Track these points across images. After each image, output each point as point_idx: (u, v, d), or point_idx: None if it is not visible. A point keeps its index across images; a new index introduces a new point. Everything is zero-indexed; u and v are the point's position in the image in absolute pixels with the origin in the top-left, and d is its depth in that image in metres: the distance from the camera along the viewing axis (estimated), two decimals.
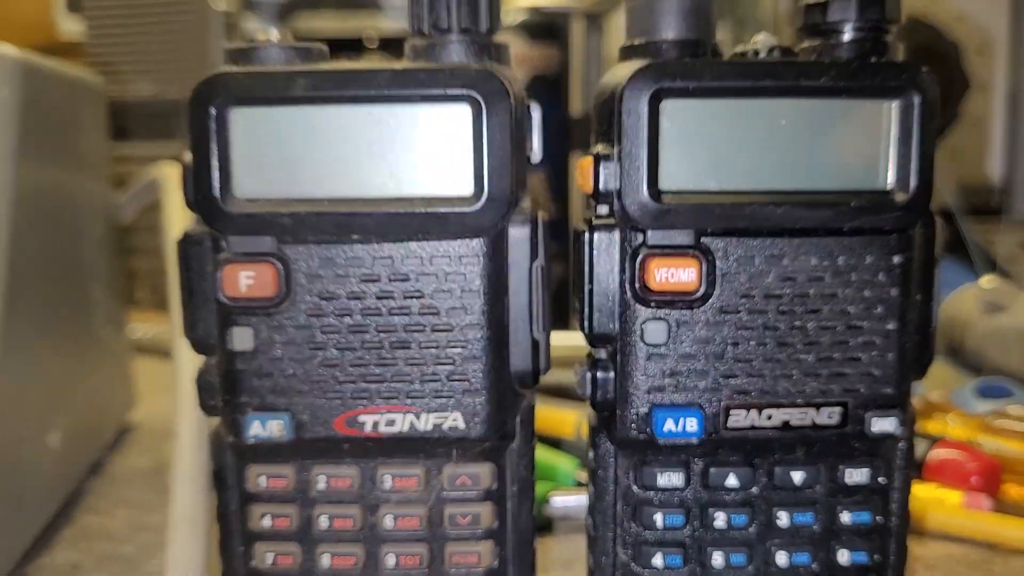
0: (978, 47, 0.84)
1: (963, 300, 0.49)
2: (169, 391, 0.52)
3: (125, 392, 0.45)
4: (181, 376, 0.26)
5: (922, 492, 0.34)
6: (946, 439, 0.36)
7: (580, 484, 0.35)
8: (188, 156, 0.23)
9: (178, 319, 0.28)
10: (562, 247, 0.24)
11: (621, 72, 0.23)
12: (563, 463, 0.35)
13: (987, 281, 0.48)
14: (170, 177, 0.39)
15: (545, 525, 0.34)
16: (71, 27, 0.83)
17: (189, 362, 0.26)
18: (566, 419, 0.37)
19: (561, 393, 0.42)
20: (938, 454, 0.35)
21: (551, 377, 0.25)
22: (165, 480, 0.39)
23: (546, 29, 0.66)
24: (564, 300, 0.24)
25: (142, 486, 0.38)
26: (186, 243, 0.23)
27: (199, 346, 0.24)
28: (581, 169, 0.24)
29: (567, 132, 0.66)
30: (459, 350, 0.23)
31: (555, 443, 0.37)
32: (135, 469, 0.41)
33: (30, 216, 0.32)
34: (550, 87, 0.66)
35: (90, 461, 0.40)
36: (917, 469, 0.35)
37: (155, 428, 0.46)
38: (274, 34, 0.24)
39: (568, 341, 0.30)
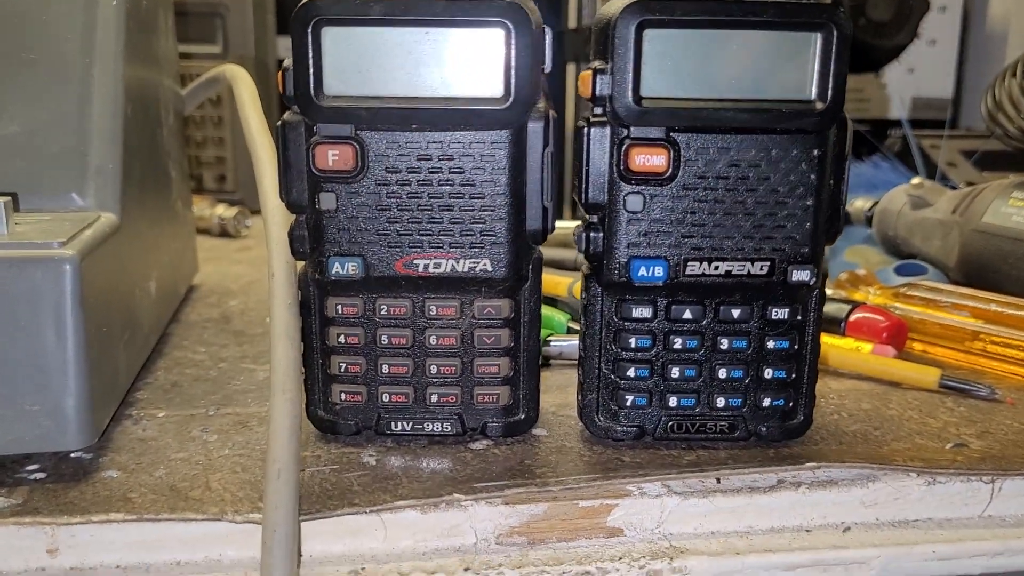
0: None
1: (896, 196, 0.56)
2: (217, 261, 0.59)
3: (191, 259, 0.52)
4: (271, 229, 0.33)
5: (843, 343, 0.42)
6: (866, 304, 0.44)
7: (571, 331, 0.42)
8: (288, 61, 0.30)
9: (269, 186, 0.35)
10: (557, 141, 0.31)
11: (615, 5, 0.30)
12: (558, 315, 0.43)
13: (916, 181, 0.55)
14: (237, 75, 0.45)
15: (544, 363, 0.41)
16: None
17: (277, 219, 0.33)
18: (561, 282, 0.44)
19: (555, 265, 0.50)
20: (858, 315, 0.43)
21: (549, 253, 0.32)
22: (231, 327, 0.46)
23: None
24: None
25: (214, 331, 0.46)
26: (285, 127, 0.30)
27: (292, 207, 0.31)
28: (582, 80, 0.31)
29: (562, 43, 0.72)
30: (489, 212, 0.30)
31: (552, 301, 0.44)
32: (207, 318, 0.48)
33: (132, 105, 0.38)
34: (550, 4, 0.72)
35: (172, 310, 0.47)
36: (841, 327, 0.43)
37: (215, 288, 0.54)
38: None
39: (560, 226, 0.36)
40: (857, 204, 0.59)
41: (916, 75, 0.90)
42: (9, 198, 0.31)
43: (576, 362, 0.35)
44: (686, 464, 0.31)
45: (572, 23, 0.72)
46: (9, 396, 0.29)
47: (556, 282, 0.44)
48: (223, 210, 0.69)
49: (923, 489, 0.31)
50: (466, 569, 0.28)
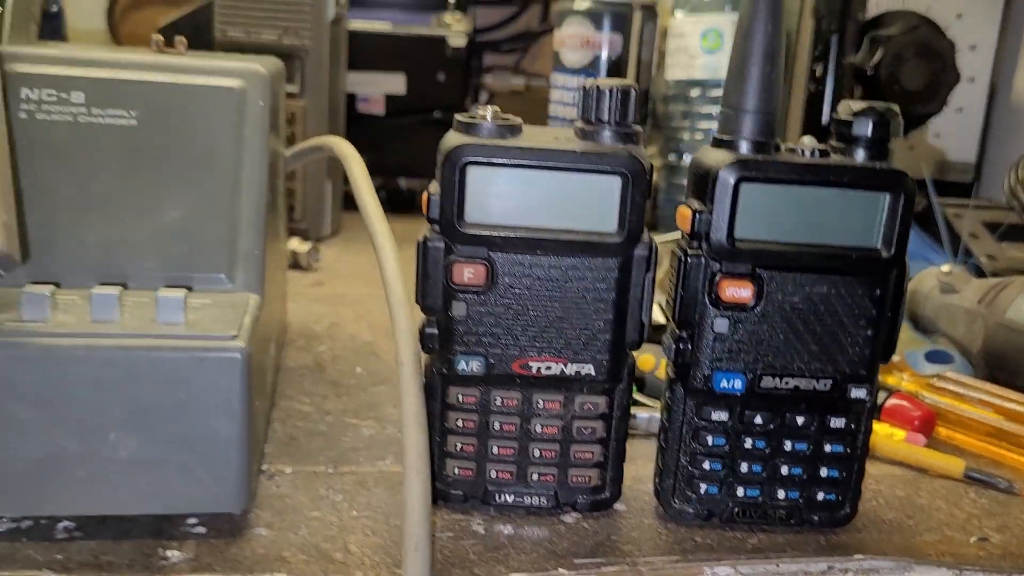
0: (971, 44, 0.94)
1: (926, 278, 0.61)
2: (295, 297, 0.63)
3: (286, 304, 0.57)
4: (400, 325, 0.37)
5: (878, 429, 0.46)
6: (899, 391, 0.48)
7: (635, 403, 0.47)
8: (435, 187, 0.34)
9: (393, 281, 0.39)
10: None
11: (713, 156, 0.34)
12: None
13: (946, 267, 0.59)
14: (346, 151, 0.49)
15: None
16: None
17: (403, 313, 0.38)
18: (648, 359, 0.49)
19: None
20: (892, 402, 0.47)
21: None
22: (327, 376, 0.51)
23: (610, 17, 0.76)
24: None
25: (312, 379, 0.51)
26: (426, 245, 0.35)
27: (426, 310, 0.36)
28: (681, 216, 0.35)
29: None
30: (596, 326, 0.35)
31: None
32: (302, 365, 0.53)
33: (268, 189, 0.43)
34: (611, 65, 0.76)
35: (280, 355, 0.52)
36: (876, 412, 0.48)
37: (302, 331, 0.58)
38: (489, 112, 0.35)
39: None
40: None
41: (942, 139, 0.94)
42: (185, 291, 0.35)
43: (651, 435, 0.40)
44: (750, 548, 0.36)
45: None
46: (184, 465, 0.34)
47: (644, 359, 0.48)
48: (297, 244, 0.73)
49: None
50: None
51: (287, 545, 0.34)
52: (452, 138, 0.34)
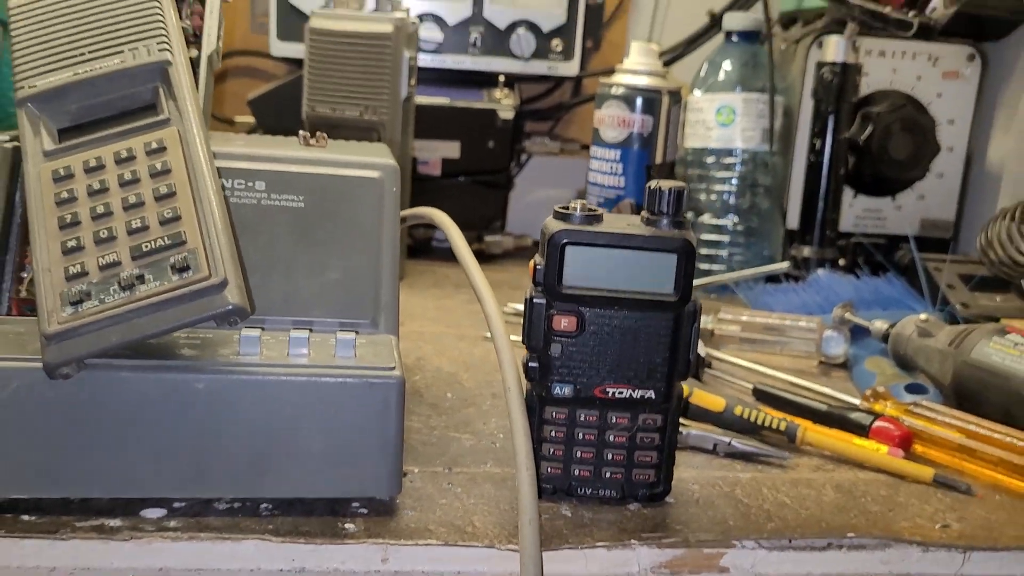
0: (949, 119, 1.06)
1: (907, 324, 0.72)
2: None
3: None
4: (505, 359, 0.49)
5: (867, 445, 0.58)
6: (884, 416, 0.60)
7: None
8: (539, 259, 0.46)
9: (497, 324, 0.51)
10: None
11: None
12: None
13: (924, 316, 0.71)
14: (446, 222, 0.61)
15: None
16: (280, 49, 1.05)
17: (506, 346, 0.49)
18: (719, 402, 0.60)
19: None
20: (878, 424, 0.59)
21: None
22: (425, 400, 0.62)
23: (642, 100, 0.88)
24: None
25: (416, 403, 0.62)
26: (532, 301, 0.46)
27: (531, 349, 0.47)
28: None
29: (650, 175, 0.89)
30: (656, 361, 0.47)
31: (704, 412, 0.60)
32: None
33: None
34: (642, 142, 0.89)
35: None
36: (865, 431, 0.59)
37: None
38: (579, 205, 0.47)
39: None
40: (877, 324, 0.75)
41: (925, 201, 1.06)
42: (355, 333, 0.47)
43: (692, 447, 0.51)
44: (769, 529, 0.47)
45: (658, 159, 0.89)
46: (355, 461, 0.45)
47: (714, 401, 0.60)
48: None
49: (920, 554, 0.47)
50: None
51: (429, 521, 0.46)
52: (552, 224, 0.46)
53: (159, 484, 0.44)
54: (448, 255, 1.08)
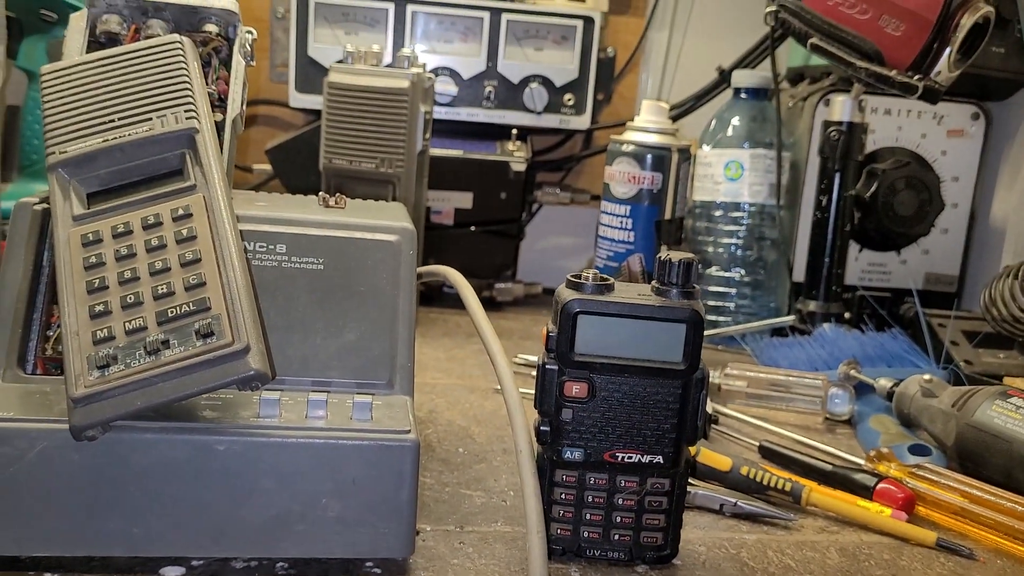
0: (954, 176, 1.07)
1: (911, 383, 0.73)
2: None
3: None
4: (517, 423, 0.50)
5: (869, 506, 0.58)
6: (888, 477, 0.60)
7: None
8: (552, 327, 0.47)
9: (513, 395, 0.52)
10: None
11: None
12: None
13: (927, 376, 0.72)
14: (459, 281, 0.62)
15: None
16: (299, 100, 1.07)
17: (517, 408, 0.50)
18: (725, 461, 0.61)
19: None
20: (881, 486, 0.59)
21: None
22: (436, 455, 0.63)
23: (651, 158, 0.90)
24: None
25: (427, 457, 0.63)
26: (545, 368, 0.47)
27: (543, 413, 0.48)
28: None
29: (660, 230, 0.90)
30: (665, 427, 0.48)
31: (712, 471, 0.61)
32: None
33: None
34: (652, 198, 0.90)
35: None
36: (869, 493, 0.59)
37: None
38: (591, 275, 0.48)
39: None
40: (881, 382, 0.76)
41: (930, 256, 1.07)
42: (371, 396, 0.48)
43: (700, 507, 0.52)
44: None
45: (667, 215, 0.90)
46: (370, 521, 0.46)
47: (721, 461, 0.60)
48: None
49: None
50: None
51: None
52: (565, 293, 0.47)
53: (178, 543, 0.45)
54: (459, 303, 1.10)
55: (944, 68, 0.84)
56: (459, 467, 0.62)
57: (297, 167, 1.07)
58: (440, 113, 1.08)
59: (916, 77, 0.84)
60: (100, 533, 0.44)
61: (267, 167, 1.12)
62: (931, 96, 0.84)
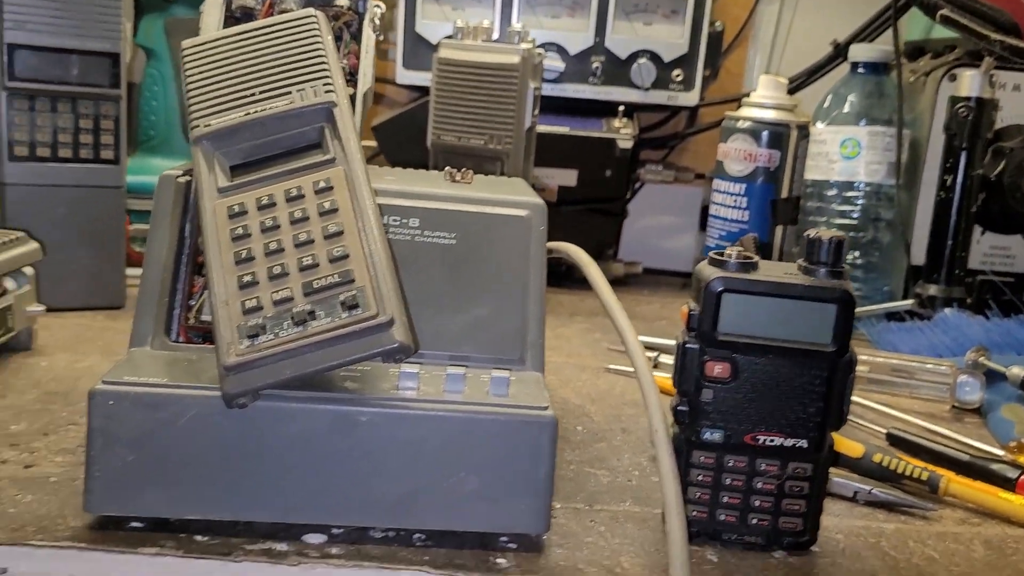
0: None
1: None
2: None
3: None
4: (649, 397, 0.49)
5: (1014, 499, 0.56)
6: None
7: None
8: (694, 305, 0.46)
9: (646, 375, 0.51)
10: None
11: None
12: None
13: None
14: (583, 258, 0.61)
15: None
16: (405, 77, 1.07)
17: (651, 388, 0.49)
18: (856, 448, 0.59)
19: None
20: None
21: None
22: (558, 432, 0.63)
23: (768, 134, 0.87)
24: None
25: None
26: (685, 347, 0.47)
27: (682, 393, 0.47)
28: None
29: (776, 210, 0.88)
30: (810, 411, 0.46)
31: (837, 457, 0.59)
32: None
33: None
34: (768, 176, 0.88)
35: None
36: (1012, 485, 0.57)
37: None
38: (734, 252, 0.47)
39: None
40: (1014, 371, 0.73)
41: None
42: (509, 372, 0.48)
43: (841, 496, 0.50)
44: None
45: (784, 193, 0.88)
46: (507, 496, 0.46)
47: (853, 447, 0.59)
48: None
49: None
50: None
51: (578, 560, 0.46)
52: (707, 271, 0.46)
53: (319, 511, 0.46)
54: (561, 280, 1.10)
55: None
56: (579, 445, 0.61)
57: (403, 143, 1.08)
58: (546, 89, 1.07)
59: None
60: (245, 498, 0.45)
61: (371, 143, 1.13)
62: None
